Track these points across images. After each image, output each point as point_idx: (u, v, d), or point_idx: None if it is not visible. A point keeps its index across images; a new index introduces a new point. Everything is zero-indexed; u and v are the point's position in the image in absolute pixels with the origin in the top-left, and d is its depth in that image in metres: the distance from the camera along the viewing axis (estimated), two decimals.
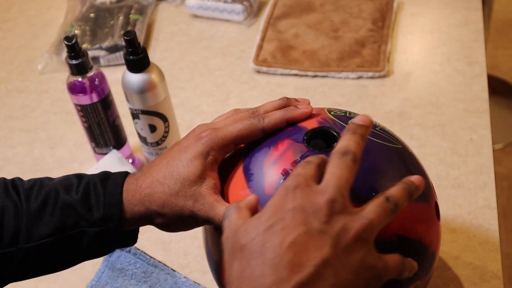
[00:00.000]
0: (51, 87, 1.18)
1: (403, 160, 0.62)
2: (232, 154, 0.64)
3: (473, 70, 1.08)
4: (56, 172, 1.01)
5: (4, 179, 0.64)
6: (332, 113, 0.64)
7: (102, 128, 0.93)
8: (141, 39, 1.22)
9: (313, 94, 1.08)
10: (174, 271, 0.82)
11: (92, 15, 1.27)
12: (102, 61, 1.19)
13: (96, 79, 0.89)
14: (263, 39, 1.18)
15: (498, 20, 2.37)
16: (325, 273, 0.47)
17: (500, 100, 2.11)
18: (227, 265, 0.51)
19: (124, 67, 0.86)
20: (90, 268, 0.85)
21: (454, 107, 1.01)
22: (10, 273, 0.61)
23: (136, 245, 0.84)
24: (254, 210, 0.53)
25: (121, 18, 1.25)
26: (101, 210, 0.60)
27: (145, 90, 0.86)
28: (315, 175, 0.52)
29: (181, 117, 1.05)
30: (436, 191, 0.66)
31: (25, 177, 0.65)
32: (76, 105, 0.91)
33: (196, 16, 1.29)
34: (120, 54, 1.18)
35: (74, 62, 0.87)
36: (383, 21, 1.18)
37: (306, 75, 1.11)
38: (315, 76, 1.11)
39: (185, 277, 0.81)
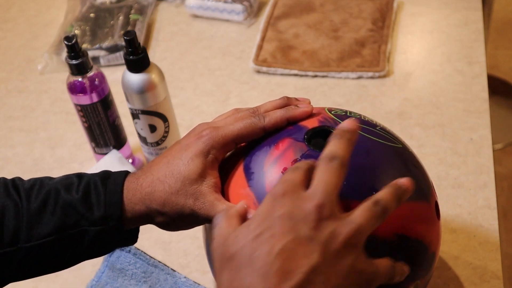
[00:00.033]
0: (51, 87, 1.18)
1: (403, 160, 0.62)
2: (233, 153, 0.64)
3: (473, 70, 1.08)
4: (56, 172, 1.01)
5: (4, 178, 0.64)
6: (332, 112, 0.64)
7: (102, 128, 0.93)
8: (141, 39, 1.22)
9: (313, 94, 1.08)
10: (174, 271, 0.82)
11: (92, 15, 1.27)
12: (102, 61, 1.19)
13: (96, 79, 0.89)
14: (263, 39, 1.18)
15: (498, 20, 2.37)
16: (314, 279, 0.47)
17: (500, 100, 2.11)
18: (217, 275, 0.51)
19: (124, 67, 0.86)
20: (90, 268, 0.85)
21: (454, 107, 1.01)
22: (10, 272, 0.61)
23: (136, 245, 0.84)
24: (243, 217, 0.53)
25: (121, 18, 1.25)
26: (102, 209, 0.60)
27: (145, 90, 0.86)
28: (303, 180, 0.52)
29: (181, 117, 1.05)
30: (436, 191, 0.66)
31: (25, 177, 0.65)
32: (76, 105, 0.91)
33: (196, 16, 1.29)
34: (120, 54, 1.18)
35: (74, 62, 0.87)
36: (383, 21, 1.18)
37: (306, 75, 1.11)
38: (315, 76, 1.11)
39: (185, 277, 0.81)
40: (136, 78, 0.85)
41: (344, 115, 0.64)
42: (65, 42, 0.85)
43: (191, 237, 0.87)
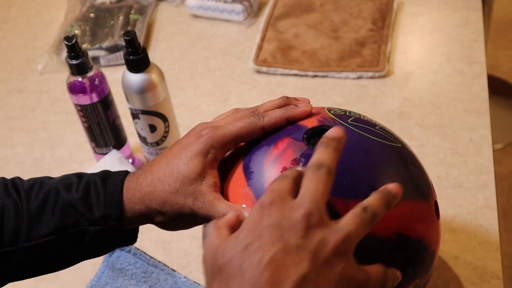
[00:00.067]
0: (51, 87, 1.18)
1: (402, 159, 0.62)
2: (232, 153, 0.64)
3: (473, 70, 1.08)
4: (56, 172, 1.01)
5: (4, 178, 0.64)
6: (332, 112, 0.64)
7: (102, 128, 0.93)
8: (141, 39, 1.22)
9: (313, 94, 1.08)
10: (174, 271, 0.82)
11: (92, 15, 1.27)
12: (102, 61, 1.19)
13: (96, 79, 0.89)
14: (263, 39, 1.18)
15: (498, 20, 2.37)
16: None
17: (500, 100, 2.11)
18: (208, 286, 0.50)
19: (124, 67, 0.86)
20: (90, 268, 0.85)
21: (454, 107, 1.01)
22: (10, 272, 0.61)
23: (136, 245, 0.84)
24: (233, 228, 0.53)
25: (121, 18, 1.25)
26: (102, 209, 0.60)
27: (145, 90, 0.86)
28: (291, 189, 0.51)
29: (181, 117, 1.05)
30: (436, 191, 0.66)
31: (25, 177, 0.65)
32: (76, 105, 0.91)
33: (196, 16, 1.29)
34: (120, 54, 1.18)
35: (74, 62, 0.87)
36: (383, 21, 1.18)
37: (306, 75, 1.11)
38: (315, 76, 1.11)
39: (185, 277, 0.81)
40: (136, 78, 0.85)
41: (343, 114, 0.64)
42: (65, 42, 0.85)
43: (191, 237, 0.87)
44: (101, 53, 1.19)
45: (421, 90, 1.06)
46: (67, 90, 0.90)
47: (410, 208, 0.58)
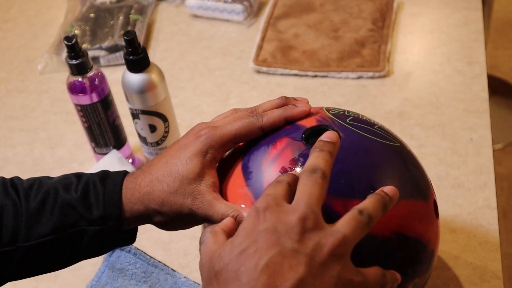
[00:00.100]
0: (51, 87, 1.18)
1: (401, 158, 0.62)
2: (231, 153, 0.64)
3: (473, 70, 1.08)
4: (56, 172, 1.01)
5: (3, 178, 0.64)
6: (330, 111, 0.64)
7: (102, 128, 0.93)
8: (141, 39, 1.22)
9: (313, 94, 1.08)
10: (174, 271, 0.82)
11: (92, 15, 1.27)
12: (102, 61, 1.19)
13: (96, 79, 0.89)
14: (263, 39, 1.18)
15: (498, 20, 2.37)
16: None
17: (500, 100, 2.11)
18: None
19: (124, 67, 0.86)
20: (90, 268, 0.85)
21: (454, 107, 1.01)
22: (9, 272, 0.61)
23: (136, 245, 0.84)
24: (230, 233, 0.53)
25: (121, 18, 1.25)
26: (101, 209, 0.60)
27: (145, 90, 0.86)
28: (286, 194, 0.51)
29: (181, 117, 1.05)
30: (436, 191, 0.66)
31: (25, 177, 0.65)
32: (76, 105, 0.91)
33: (196, 16, 1.29)
34: (120, 54, 1.18)
35: (74, 62, 0.87)
36: (383, 21, 1.18)
37: (306, 75, 1.11)
38: (315, 76, 1.11)
39: (185, 277, 0.81)
40: (136, 78, 0.85)
41: (342, 114, 0.64)
42: (65, 42, 0.85)
43: (191, 237, 0.87)
44: (101, 53, 1.19)
45: (421, 90, 1.06)
46: (67, 90, 0.90)
47: (409, 207, 0.58)
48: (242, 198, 0.59)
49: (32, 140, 1.08)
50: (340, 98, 1.06)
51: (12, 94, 1.18)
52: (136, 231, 0.65)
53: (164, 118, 0.90)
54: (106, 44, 1.19)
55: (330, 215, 0.52)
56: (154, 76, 0.86)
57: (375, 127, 0.64)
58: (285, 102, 0.65)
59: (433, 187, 0.66)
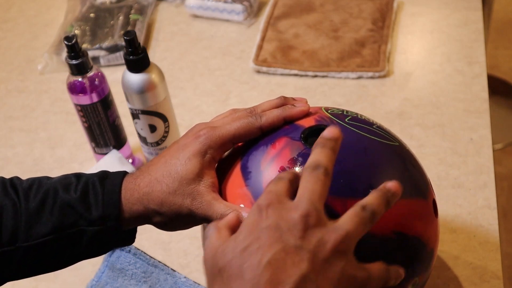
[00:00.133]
0: (51, 87, 1.18)
1: (400, 157, 0.62)
2: (230, 153, 0.64)
3: (473, 70, 1.08)
4: (56, 172, 1.00)
5: (2, 178, 0.64)
6: (329, 111, 0.65)
7: (102, 128, 0.93)
8: (141, 39, 1.22)
9: (313, 94, 1.08)
10: (174, 271, 0.82)
11: (92, 15, 1.27)
12: (102, 61, 1.19)
13: (96, 79, 0.89)
14: (263, 39, 1.18)
15: (498, 20, 2.37)
16: None
17: (500, 100, 2.11)
18: (209, 287, 0.51)
19: (124, 67, 0.86)
20: (90, 268, 0.85)
21: (454, 107, 1.01)
22: (9, 272, 0.61)
23: (136, 245, 0.84)
24: (234, 229, 0.52)
25: (121, 18, 1.25)
26: (100, 209, 0.60)
27: (145, 90, 0.86)
28: (288, 190, 0.51)
29: (181, 117, 1.05)
30: (436, 191, 0.66)
31: (25, 177, 0.65)
32: (76, 105, 0.91)
33: (196, 16, 1.29)
34: (120, 54, 1.18)
35: (74, 62, 0.87)
36: (383, 21, 1.18)
37: (306, 75, 1.11)
38: (315, 76, 1.11)
39: (185, 277, 0.81)
40: (136, 78, 0.85)
41: (340, 114, 0.64)
42: (65, 42, 0.85)
43: (191, 237, 0.87)
44: (101, 53, 1.19)
45: (421, 90, 1.06)
46: (67, 90, 0.90)
47: (409, 206, 0.59)
48: (241, 198, 0.59)
49: (32, 140, 1.08)
50: (340, 98, 1.06)
51: (12, 94, 1.18)
52: (135, 231, 0.65)
53: (164, 118, 0.90)
54: (106, 44, 1.19)
55: (330, 214, 0.52)
56: (154, 76, 0.86)
57: (374, 126, 0.64)
58: (284, 102, 0.65)
59: (433, 187, 0.66)
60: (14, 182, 0.63)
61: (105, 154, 0.96)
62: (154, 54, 1.21)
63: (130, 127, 0.99)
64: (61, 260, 0.63)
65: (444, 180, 0.89)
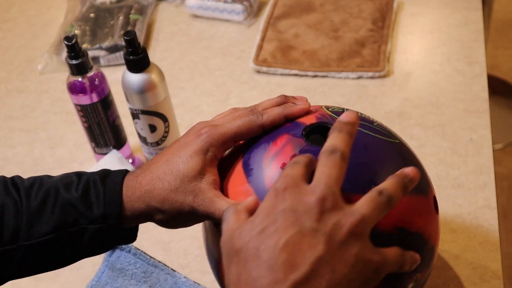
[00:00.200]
0: (51, 87, 1.18)
1: (401, 154, 0.63)
2: (231, 151, 0.64)
3: (473, 70, 1.08)
4: (56, 172, 1.00)
5: (4, 177, 0.64)
6: (330, 109, 0.65)
7: (102, 128, 0.93)
8: (141, 39, 1.22)
9: (313, 94, 1.08)
10: (174, 271, 0.82)
11: (92, 15, 1.27)
12: (102, 61, 1.19)
13: (96, 79, 0.89)
14: (263, 39, 1.18)
15: (498, 20, 2.37)
16: (321, 270, 0.47)
17: (500, 100, 2.11)
18: (226, 270, 0.51)
19: (124, 67, 0.86)
20: (90, 268, 0.85)
21: (454, 107, 1.01)
22: (10, 271, 0.61)
23: (136, 245, 0.84)
24: (252, 212, 0.53)
25: (121, 18, 1.25)
26: (101, 207, 0.60)
27: (145, 90, 0.86)
28: (304, 174, 0.52)
29: (181, 117, 1.05)
30: (436, 191, 0.66)
31: (25, 177, 0.65)
32: (76, 105, 0.91)
33: (196, 16, 1.29)
34: (120, 54, 1.18)
35: (74, 62, 0.87)
36: (383, 21, 1.18)
37: (306, 75, 1.11)
38: (315, 76, 1.11)
39: (185, 277, 0.81)
40: (136, 78, 0.85)
41: (341, 112, 0.65)
42: (65, 42, 0.85)
43: (191, 237, 0.87)
44: (101, 53, 1.19)
45: (421, 90, 1.06)
46: (67, 90, 0.90)
47: (411, 202, 0.59)
48: (244, 194, 0.59)
49: (32, 140, 1.08)
50: (340, 98, 1.06)
51: (12, 94, 1.18)
52: (137, 229, 0.65)
53: (164, 118, 0.90)
54: (106, 44, 1.19)
55: None
56: (154, 76, 0.86)
57: (375, 124, 0.64)
58: (284, 100, 0.65)
59: (433, 187, 0.66)
60: (15, 181, 0.63)
61: (105, 154, 0.96)
62: (154, 54, 1.21)
63: (130, 127, 0.99)
64: (62, 259, 0.63)
65: (444, 180, 0.89)
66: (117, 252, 0.84)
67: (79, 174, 0.63)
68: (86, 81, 0.88)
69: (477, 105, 1.01)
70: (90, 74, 0.88)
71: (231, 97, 1.10)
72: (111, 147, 0.96)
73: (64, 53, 1.05)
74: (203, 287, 0.80)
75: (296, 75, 1.12)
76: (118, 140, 0.96)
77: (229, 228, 0.52)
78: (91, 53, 1.17)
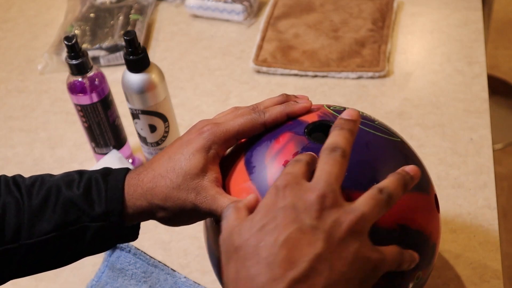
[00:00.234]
0: (51, 87, 1.18)
1: (402, 153, 0.63)
2: (233, 149, 0.65)
3: (473, 70, 1.08)
4: (56, 172, 0.99)
5: (5, 176, 0.64)
6: (331, 108, 0.65)
7: (102, 128, 0.93)
8: (141, 39, 1.22)
9: (313, 94, 1.08)
10: (174, 271, 0.82)
11: (92, 15, 1.27)
12: (102, 61, 1.19)
13: (96, 79, 0.89)
14: (263, 39, 1.18)
15: (498, 20, 2.37)
16: (319, 267, 0.47)
17: (500, 100, 2.11)
18: (224, 267, 0.51)
19: (124, 67, 0.86)
20: (90, 268, 0.85)
21: (454, 107, 1.01)
22: (12, 269, 0.61)
23: (136, 245, 0.84)
24: (252, 210, 0.53)
25: (121, 18, 1.25)
26: (103, 205, 0.60)
27: (145, 90, 0.86)
28: (305, 172, 0.52)
29: (181, 117, 1.05)
30: (436, 191, 0.66)
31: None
32: (76, 105, 0.91)
33: (196, 16, 1.29)
34: (120, 54, 1.18)
35: (74, 62, 0.87)
36: (383, 21, 1.18)
37: (306, 75, 1.11)
38: (315, 76, 1.11)
39: (185, 277, 0.81)
40: (136, 78, 0.85)
41: (342, 110, 0.65)
42: (65, 42, 0.85)
43: (191, 237, 0.87)
44: (101, 53, 1.19)
45: (421, 90, 1.06)
46: (67, 90, 0.90)
47: (412, 200, 0.59)
48: (246, 192, 0.59)
49: (32, 140, 1.08)
50: (340, 98, 1.06)
51: (12, 94, 1.18)
52: (138, 227, 0.65)
53: (164, 118, 0.90)
54: (106, 44, 1.19)
55: None
56: (154, 76, 0.86)
57: (376, 122, 0.65)
58: (286, 99, 0.65)
59: (431, 180, 0.66)
60: (16, 179, 0.63)
61: (105, 154, 0.96)
62: (154, 54, 1.21)
63: (130, 127, 0.99)
64: (64, 257, 0.63)
65: (444, 180, 0.89)
66: (117, 252, 0.84)
67: (80, 172, 0.63)
68: (86, 81, 0.88)
69: (477, 105, 1.01)
70: (90, 74, 0.88)
71: (231, 97, 1.10)
72: (111, 147, 0.96)
73: (64, 53, 1.05)
74: (203, 287, 0.80)
75: (296, 75, 1.12)
76: (118, 140, 0.96)
77: (229, 226, 0.52)
78: (91, 53, 1.17)
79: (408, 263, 0.55)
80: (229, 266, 0.50)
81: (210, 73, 1.16)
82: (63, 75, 1.00)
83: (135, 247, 0.84)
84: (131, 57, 0.84)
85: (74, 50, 0.86)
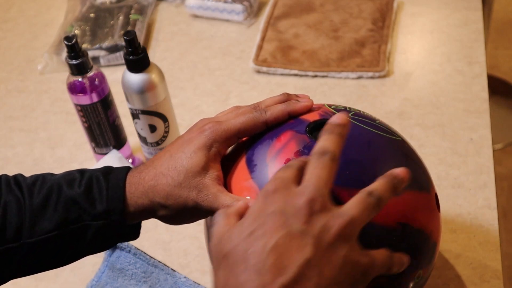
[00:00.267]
0: (51, 87, 1.18)
1: (403, 152, 0.63)
2: (235, 147, 0.65)
3: (473, 70, 1.08)
4: (56, 172, 1.00)
5: (6, 175, 0.64)
6: (332, 107, 0.66)
7: (102, 128, 0.93)
8: (141, 39, 1.22)
9: (313, 94, 1.08)
10: (174, 271, 0.82)
11: (92, 15, 1.27)
12: (102, 61, 1.19)
13: (96, 79, 0.89)
14: (263, 39, 1.18)
15: (498, 20, 2.37)
16: (308, 273, 0.47)
17: (500, 100, 2.11)
18: (214, 272, 0.51)
19: (124, 67, 0.86)
20: (90, 268, 0.85)
21: (454, 107, 1.01)
22: (13, 268, 0.61)
23: (136, 245, 0.84)
24: (242, 215, 0.53)
25: (121, 18, 1.25)
26: (104, 204, 0.60)
27: (145, 90, 0.86)
28: (295, 177, 0.52)
29: (181, 117, 1.05)
30: (436, 191, 0.66)
31: None
32: (76, 105, 0.91)
33: (196, 16, 1.29)
34: (120, 54, 1.18)
35: (74, 62, 0.87)
36: (383, 21, 1.18)
37: (306, 75, 1.11)
38: (315, 76, 1.11)
39: (185, 277, 0.81)
40: (136, 78, 0.85)
41: (343, 109, 0.66)
42: (65, 42, 0.85)
43: (191, 237, 0.87)
44: (101, 53, 1.19)
45: (421, 90, 1.06)
46: (67, 90, 0.90)
47: (413, 198, 0.59)
48: (247, 190, 0.59)
49: (32, 140, 1.08)
50: (340, 98, 1.06)
51: (12, 94, 1.18)
52: (140, 226, 0.65)
53: (164, 118, 0.90)
54: (106, 44, 1.19)
55: (335, 203, 0.52)
56: (154, 76, 0.86)
57: (377, 122, 0.65)
58: (287, 98, 0.65)
59: (432, 179, 0.67)
60: (18, 179, 0.63)
61: (105, 154, 0.96)
62: (154, 54, 1.21)
63: (130, 127, 0.99)
64: (65, 256, 0.63)
65: (444, 180, 0.89)
66: (117, 252, 0.84)
67: (81, 171, 0.63)
68: (86, 81, 0.88)
69: (477, 105, 1.01)
70: (90, 74, 0.88)
71: (231, 97, 1.10)
72: (111, 147, 0.96)
73: (64, 53, 1.05)
74: (203, 287, 0.80)
75: (296, 75, 1.12)
76: (118, 140, 0.96)
77: (219, 232, 0.51)
78: (91, 53, 1.17)
79: (398, 266, 0.54)
80: (219, 272, 0.50)
81: (210, 73, 1.16)
82: (63, 75, 1.00)
83: (135, 247, 0.84)
84: (131, 57, 0.84)
85: (74, 50, 0.86)
